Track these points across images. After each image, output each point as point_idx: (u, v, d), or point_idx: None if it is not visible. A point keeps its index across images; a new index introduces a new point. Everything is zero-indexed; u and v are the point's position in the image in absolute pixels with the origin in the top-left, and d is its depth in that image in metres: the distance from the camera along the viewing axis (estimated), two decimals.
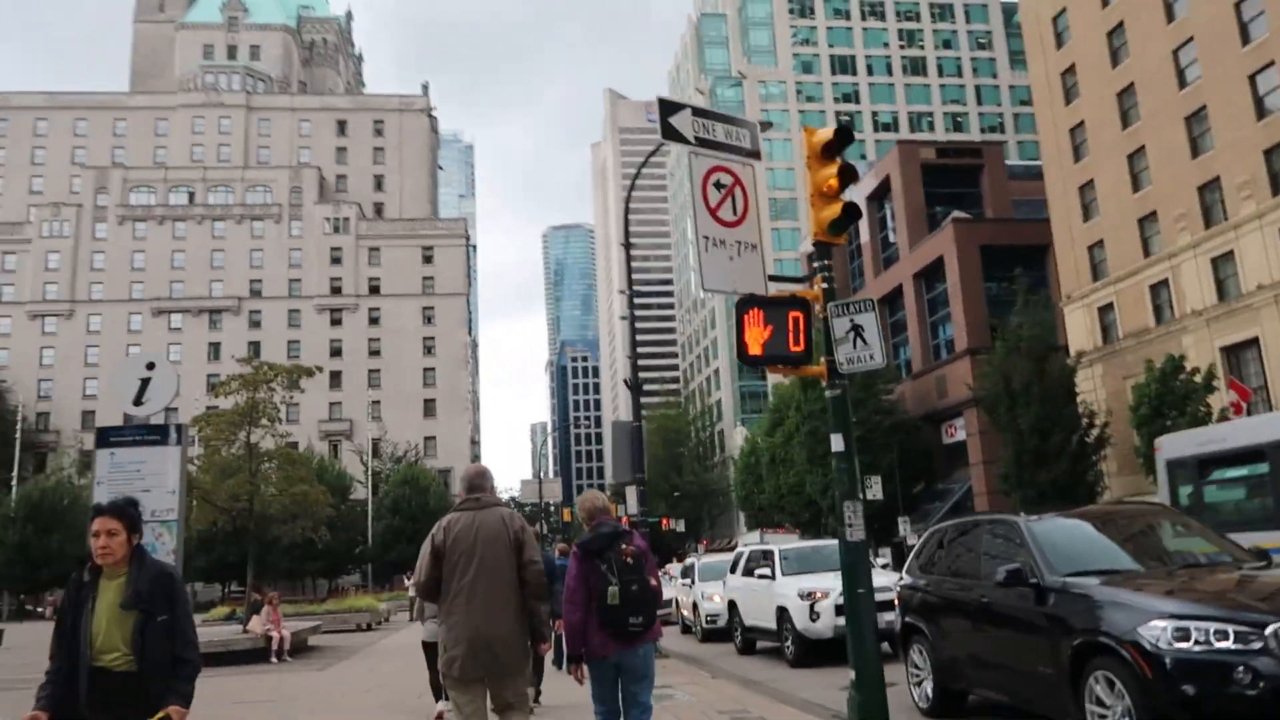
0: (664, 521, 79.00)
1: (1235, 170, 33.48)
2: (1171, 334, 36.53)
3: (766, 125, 17.10)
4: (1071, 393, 38.30)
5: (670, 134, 6.81)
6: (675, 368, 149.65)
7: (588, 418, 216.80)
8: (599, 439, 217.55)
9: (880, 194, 64.73)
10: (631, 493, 15.52)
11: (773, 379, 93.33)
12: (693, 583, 20.11)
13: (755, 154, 6.77)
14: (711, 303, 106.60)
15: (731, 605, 16.17)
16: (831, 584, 13.20)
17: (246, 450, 19.96)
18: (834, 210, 5.91)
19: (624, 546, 5.70)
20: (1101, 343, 41.55)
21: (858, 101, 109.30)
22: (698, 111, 6.98)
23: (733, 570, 16.52)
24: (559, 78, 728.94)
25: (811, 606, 12.92)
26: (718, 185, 6.32)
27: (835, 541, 17.60)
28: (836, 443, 5.75)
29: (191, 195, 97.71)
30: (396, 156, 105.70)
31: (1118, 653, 5.93)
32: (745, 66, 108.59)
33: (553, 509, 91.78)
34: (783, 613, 13.56)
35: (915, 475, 52.95)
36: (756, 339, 5.72)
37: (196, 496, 19.11)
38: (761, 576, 14.45)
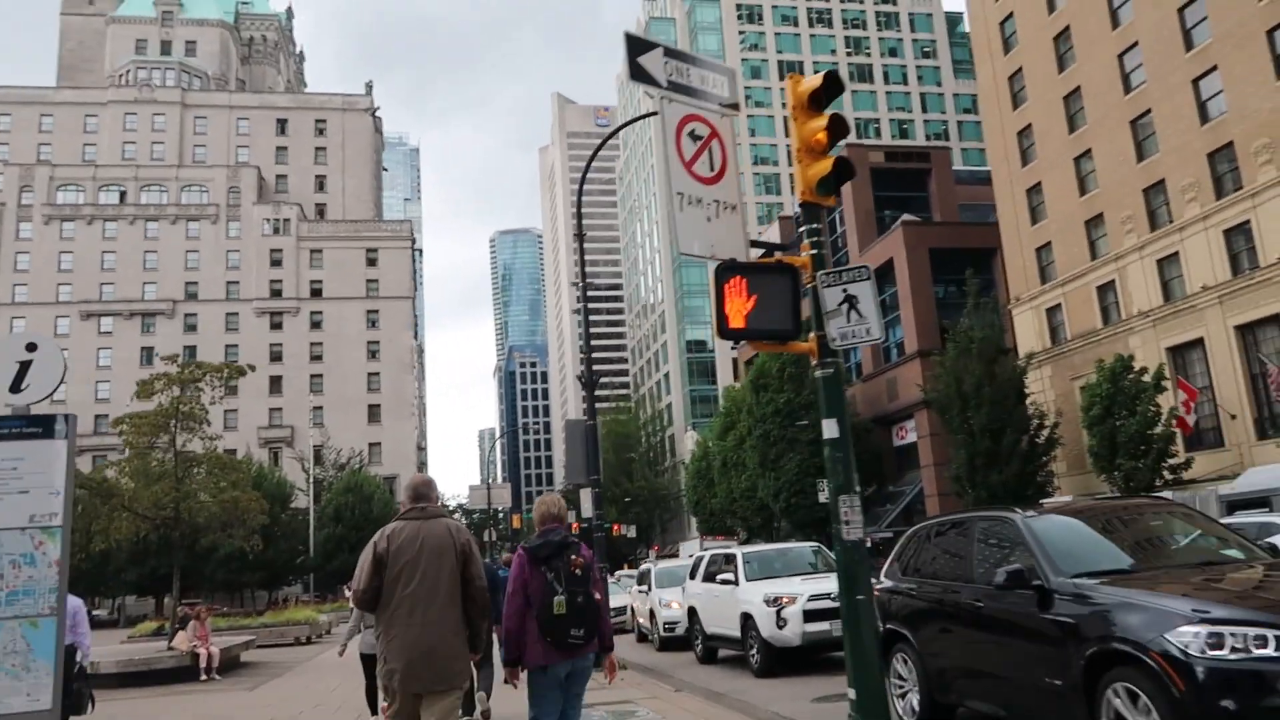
0: (615, 527, 78.18)
1: (1179, 173, 33.78)
2: (1119, 335, 36.77)
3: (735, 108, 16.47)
4: (1022, 394, 38.34)
5: (639, 75, 6.08)
6: (625, 372, 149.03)
7: (536, 423, 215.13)
8: (548, 445, 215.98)
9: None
10: (586, 495, 14.73)
11: (723, 382, 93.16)
12: (649, 589, 19.35)
13: (734, 105, 6.03)
14: (662, 306, 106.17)
15: (692, 612, 15.43)
16: (798, 588, 12.55)
17: (173, 455, 18.70)
18: (823, 166, 5.19)
19: (573, 557, 5.63)
20: (1050, 344, 41.77)
21: None
22: (670, 52, 6.25)
23: (692, 575, 15.80)
24: (508, 82, 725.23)
25: (778, 613, 12.24)
26: (693, 136, 5.56)
27: (801, 545, 17.05)
28: (830, 429, 5.02)
29: (123, 194, 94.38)
30: (339, 156, 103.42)
31: (1142, 662, 5.30)
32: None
33: (501, 515, 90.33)
34: (747, 620, 12.86)
35: (866, 478, 52.73)
36: (739, 310, 4.97)
37: (117, 505, 17.88)
38: (724, 582, 13.74)
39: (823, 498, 49.76)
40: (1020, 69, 43.61)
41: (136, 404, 19.02)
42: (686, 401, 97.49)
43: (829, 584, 12.79)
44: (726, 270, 5.04)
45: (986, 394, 37.21)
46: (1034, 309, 42.82)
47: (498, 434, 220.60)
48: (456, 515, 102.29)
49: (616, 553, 75.43)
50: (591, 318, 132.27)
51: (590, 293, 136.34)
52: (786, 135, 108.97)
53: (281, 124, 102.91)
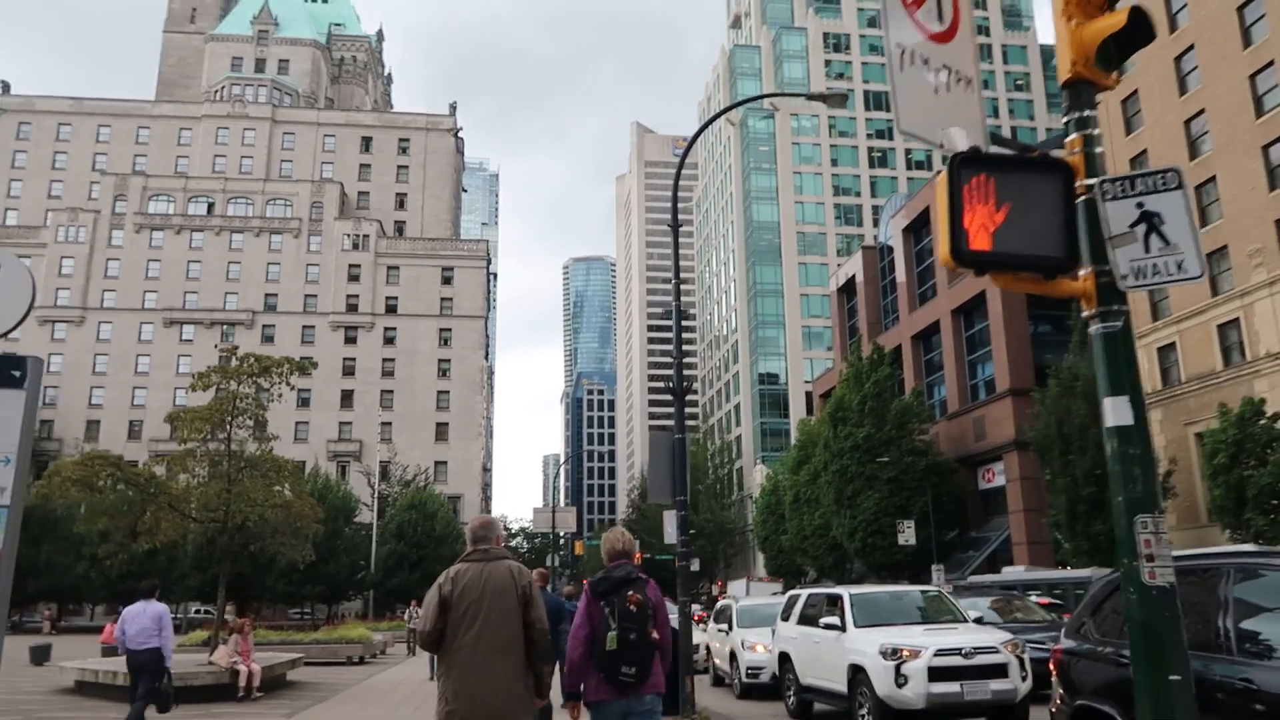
0: (675, 561, 76.13)
1: None
2: (1243, 378, 33.75)
3: (842, 98, 14.76)
4: None
5: None
6: (694, 403, 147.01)
7: (601, 451, 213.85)
8: (611, 473, 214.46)
9: (918, 226, 62.41)
10: (670, 517, 13.02)
11: (795, 416, 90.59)
12: (730, 628, 17.44)
13: None
14: (735, 337, 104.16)
15: (784, 658, 13.50)
16: (922, 640, 10.57)
17: (225, 453, 17.56)
18: (1107, 24, 3.37)
19: (630, 593, 5.71)
20: (1161, 385, 38.75)
21: (891, 138, 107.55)
22: None
23: (785, 616, 13.87)
24: (588, 114, 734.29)
25: (898, 668, 10.28)
26: None
27: (912, 589, 15.03)
28: (1118, 412, 3.20)
29: (211, 206, 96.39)
30: (420, 175, 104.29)
31: None
32: (777, 99, 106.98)
33: (564, 540, 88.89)
34: (858, 673, 10.92)
35: (948, 521, 49.97)
36: (983, 225, 3.25)
37: (164, 504, 16.77)
38: (828, 626, 11.80)
39: (902, 539, 47.02)
40: (1135, 91, 41.02)
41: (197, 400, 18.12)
42: (757, 434, 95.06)
43: (958, 636, 10.81)
44: (967, 165, 3.30)
45: (1092, 437, 34.49)
46: (1144, 348, 39.82)
47: (562, 459, 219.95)
48: (518, 538, 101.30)
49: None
50: (663, 348, 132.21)
51: (661, 322, 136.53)
52: (870, 166, 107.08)
53: (366, 142, 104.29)
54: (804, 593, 13.75)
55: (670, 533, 13.18)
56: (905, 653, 10.33)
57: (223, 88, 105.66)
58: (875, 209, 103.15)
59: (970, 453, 51.83)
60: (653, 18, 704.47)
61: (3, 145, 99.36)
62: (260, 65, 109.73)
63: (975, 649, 10.29)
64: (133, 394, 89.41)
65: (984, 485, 52.13)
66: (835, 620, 11.74)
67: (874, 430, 48.74)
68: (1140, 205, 3.37)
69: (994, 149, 3.44)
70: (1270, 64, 33.35)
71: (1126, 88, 41.79)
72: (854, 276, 71.98)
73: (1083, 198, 3.43)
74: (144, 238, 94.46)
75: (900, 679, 10.23)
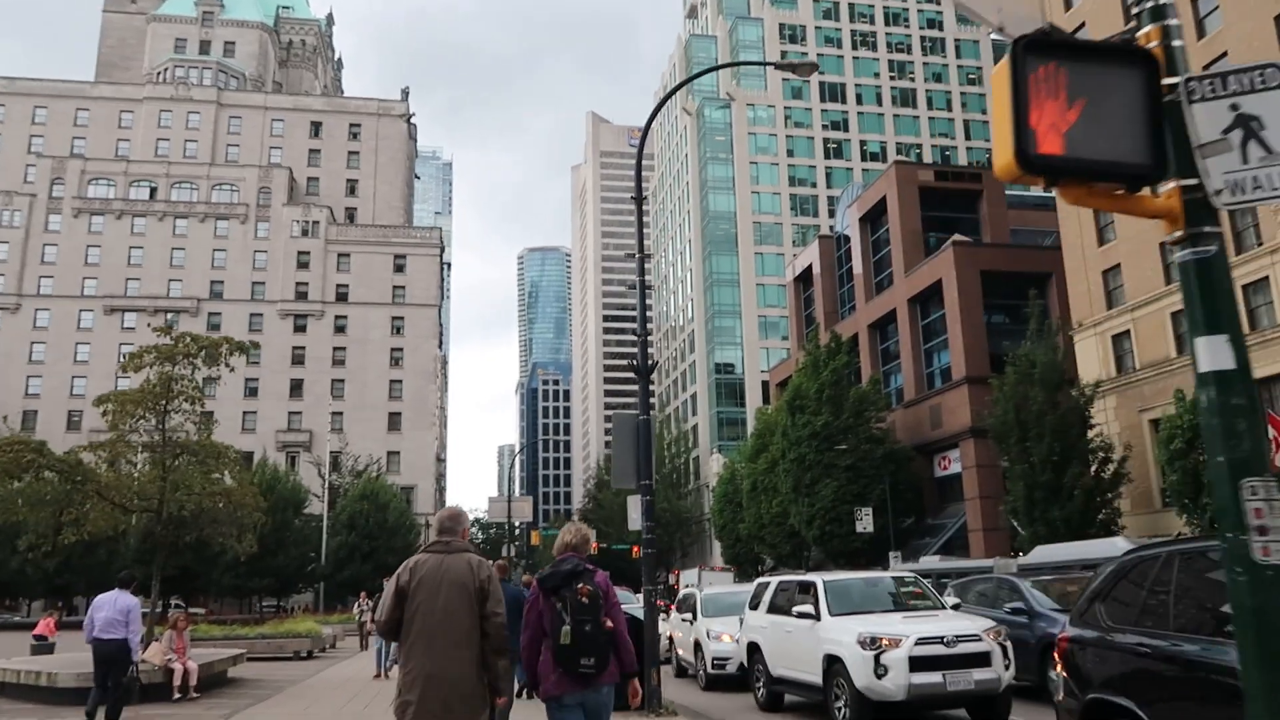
0: (635, 550, 75.64)
1: None
2: None
3: (813, 67, 14.21)
4: (1086, 425, 35.62)
5: None
6: (651, 392, 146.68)
7: (557, 441, 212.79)
8: (567, 464, 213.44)
9: (874, 215, 62.51)
10: (635, 503, 12.41)
11: (752, 405, 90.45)
12: (694, 618, 16.87)
13: None
14: (691, 326, 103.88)
15: (753, 649, 12.94)
16: (902, 628, 10.08)
17: (160, 439, 16.52)
18: None
19: (580, 585, 5.76)
20: (1115, 373, 39.00)
21: (846, 130, 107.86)
22: None
23: (754, 605, 13.32)
24: (543, 108, 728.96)
25: (877, 658, 9.77)
26: None
27: (883, 574, 14.59)
28: (1214, 353, 2.57)
29: (154, 191, 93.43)
30: (372, 161, 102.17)
31: None
32: (734, 89, 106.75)
33: (520, 530, 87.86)
34: (833, 663, 10.40)
35: (905, 509, 50.10)
36: (1053, 123, 2.63)
37: (90, 492, 15.72)
38: (801, 615, 11.25)
39: (860, 526, 46.98)
40: None
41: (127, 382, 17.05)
42: (713, 424, 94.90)
43: (939, 624, 10.35)
44: (1034, 50, 2.66)
45: (1049, 423, 34.58)
46: (1098, 335, 40.09)
47: (518, 450, 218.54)
48: (473, 528, 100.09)
49: (634, 576, 72.78)
50: (618, 338, 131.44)
51: (617, 312, 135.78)
52: (826, 157, 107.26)
53: (316, 126, 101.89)
54: (773, 580, 13.21)
55: (635, 519, 12.58)
56: (885, 642, 9.83)
57: (166, 69, 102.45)
58: (831, 199, 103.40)
59: (927, 440, 51.98)
60: (607, 12, 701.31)
61: None
62: (205, 47, 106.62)
63: (957, 637, 9.83)
64: (71, 383, 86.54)
65: (940, 473, 52.33)
66: (809, 608, 11.21)
67: (832, 418, 48.62)
68: (1235, 108, 2.79)
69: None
70: (1224, 55, 33.52)
71: None
72: (811, 266, 71.95)
73: (1167, 96, 2.84)
74: (83, 222, 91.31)
75: (880, 669, 9.72)
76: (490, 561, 6.48)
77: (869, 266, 63.22)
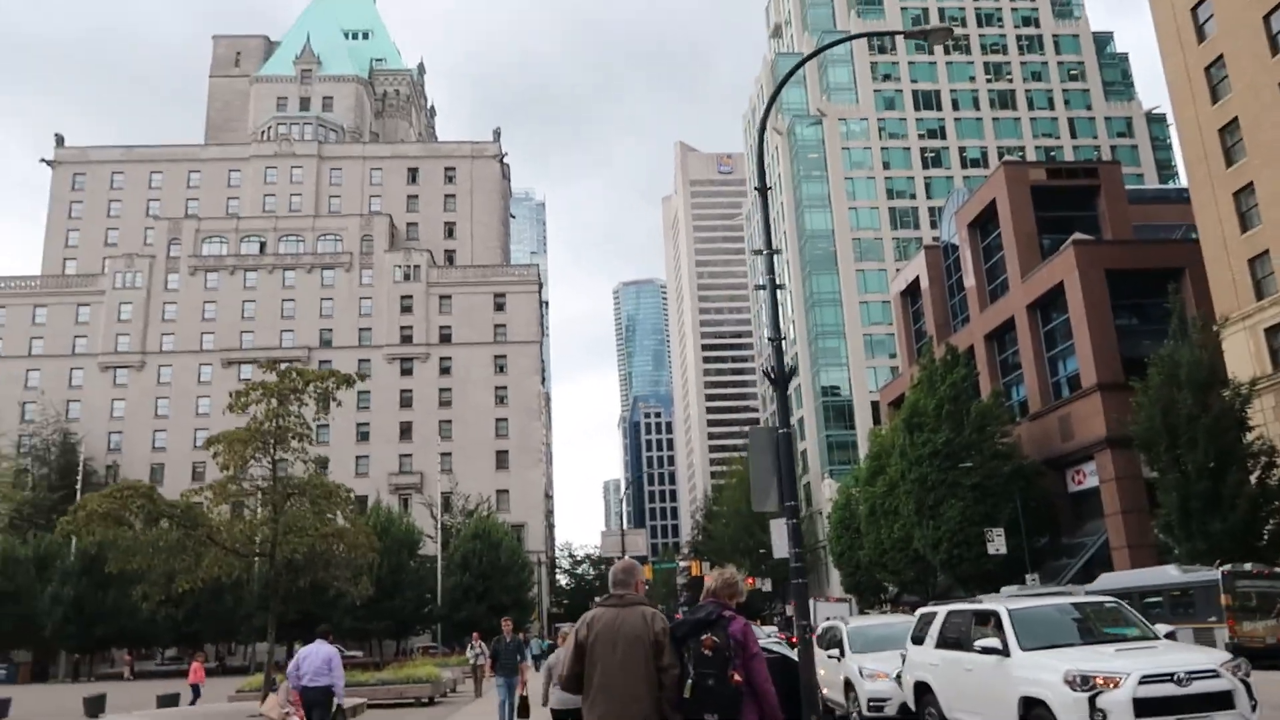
0: (750, 580, 73.57)
1: None
2: None
3: (947, 32, 12.78)
4: (1244, 427, 32.54)
5: None
6: (754, 421, 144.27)
7: (661, 474, 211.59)
8: (673, 496, 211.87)
9: (983, 221, 59.73)
10: (779, 527, 11.08)
11: (862, 426, 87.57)
12: (841, 654, 15.32)
13: None
14: (794, 349, 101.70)
15: (921, 689, 11.38)
16: (1119, 664, 8.45)
17: (270, 479, 15.98)
18: None
19: (705, 637, 5.59)
20: (1271, 369, 35.71)
21: (943, 137, 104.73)
22: None
23: (918, 638, 11.75)
24: (628, 139, 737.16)
25: (1092, 701, 8.18)
26: None
27: (1084, 599, 12.86)
28: None
29: (263, 245, 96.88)
30: (468, 203, 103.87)
31: None
32: (824, 104, 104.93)
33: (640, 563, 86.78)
34: (1033, 708, 8.82)
35: (1037, 528, 46.99)
36: None
37: (203, 537, 15.21)
38: (984, 650, 9.68)
39: (992, 548, 44.16)
40: (1220, 56, 38.29)
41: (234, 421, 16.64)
42: (823, 448, 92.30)
43: (1164, 658, 8.66)
44: None
45: (1202, 427, 31.67)
46: (1248, 329, 36.88)
47: (623, 485, 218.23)
48: (584, 565, 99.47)
49: (750, 608, 70.73)
50: (718, 366, 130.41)
51: (716, 341, 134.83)
52: (924, 166, 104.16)
53: (412, 173, 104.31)
54: (940, 609, 11.63)
55: (780, 545, 11.23)
56: (1100, 681, 8.21)
57: (269, 128, 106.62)
58: (932, 210, 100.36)
59: (1057, 454, 48.84)
60: (684, 40, 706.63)
61: (59, 196, 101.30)
62: (305, 104, 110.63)
63: (1190, 674, 8.13)
64: (194, 436, 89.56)
65: (1074, 487, 49.05)
66: (993, 642, 9.63)
67: (953, 435, 46.13)
68: None
69: None
70: None
71: (1208, 54, 39.11)
72: (917, 279, 69.28)
73: None
74: (199, 280, 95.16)
75: (1097, 715, 8.10)
76: (661, 613, 6.12)
77: (981, 275, 60.34)
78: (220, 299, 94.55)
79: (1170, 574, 26.88)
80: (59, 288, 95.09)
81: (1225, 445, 31.62)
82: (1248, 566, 25.85)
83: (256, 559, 16.25)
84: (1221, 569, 25.09)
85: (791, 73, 14.02)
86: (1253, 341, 36.77)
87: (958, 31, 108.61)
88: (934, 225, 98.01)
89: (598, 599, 6.07)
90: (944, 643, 10.91)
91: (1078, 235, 50.62)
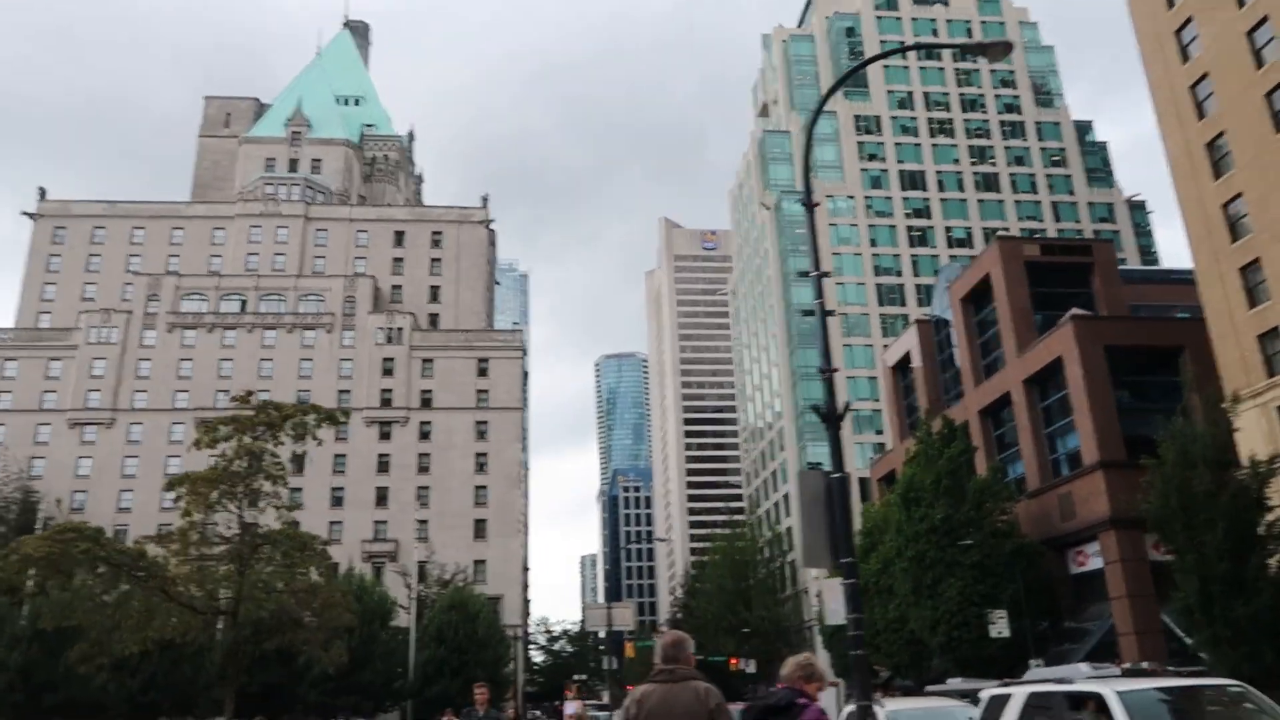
0: (732, 661, 70.86)
1: None
2: None
3: (1007, 47, 11.82)
4: (1262, 507, 31.29)
5: None
6: (733, 498, 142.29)
7: (640, 549, 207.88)
8: (651, 572, 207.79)
9: (977, 296, 59.27)
10: (833, 589, 9.57)
11: (853, 503, 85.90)
12: None
13: None
14: (780, 424, 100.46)
15: None
16: None
17: (240, 527, 14.26)
18: None
19: None
20: None
21: (929, 216, 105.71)
22: None
23: None
24: (616, 219, 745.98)
25: None
26: None
27: (1205, 681, 11.31)
28: None
29: (244, 303, 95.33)
30: (454, 268, 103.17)
31: None
32: (813, 181, 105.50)
33: (602, 643, 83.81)
34: None
35: (1038, 610, 45.25)
36: None
37: (154, 589, 13.38)
38: None
39: (995, 631, 42.32)
40: (1221, 133, 38.19)
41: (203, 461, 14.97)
42: None
43: None
44: None
45: (1221, 506, 30.39)
46: (1260, 407, 35.99)
47: (601, 560, 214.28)
48: (560, 642, 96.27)
49: (731, 690, 67.98)
50: (699, 440, 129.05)
51: (697, 415, 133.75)
52: (910, 245, 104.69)
53: (399, 236, 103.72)
54: (1018, 690, 10.07)
55: (836, 610, 9.79)
56: None
57: (256, 187, 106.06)
58: (919, 288, 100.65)
59: (1057, 534, 47.37)
60: (675, 123, 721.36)
61: (38, 249, 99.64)
62: (293, 165, 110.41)
63: None
64: (160, 497, 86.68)
65: (1076, 569, 47.45)
66: None
67: (951, 510, 44.64)
68: None
69: None
70: None
71: (1209, 131, 39.07)
72: (908, 353, 68.55)
73: None
74: (175, 337, 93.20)
75: None
76: (714, 688, 5.70)
77: (974, 349, 59.65)
78: (197, 357, 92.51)
79: (1082, 670, 24.83)
80: (31, 340, 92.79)
81: (1245, 526, 30.34)
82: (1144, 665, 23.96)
83: (219, 618, 14.46)
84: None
85: (846, 76, 13.03)
86: (1265, 419, 35.86)
87: (941, 116, 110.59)
88: (921, 302, 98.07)
89: (650, 675, 5.71)
90: None
91: (1075, 310, 50.08)
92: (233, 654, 15.84)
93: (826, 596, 10.05)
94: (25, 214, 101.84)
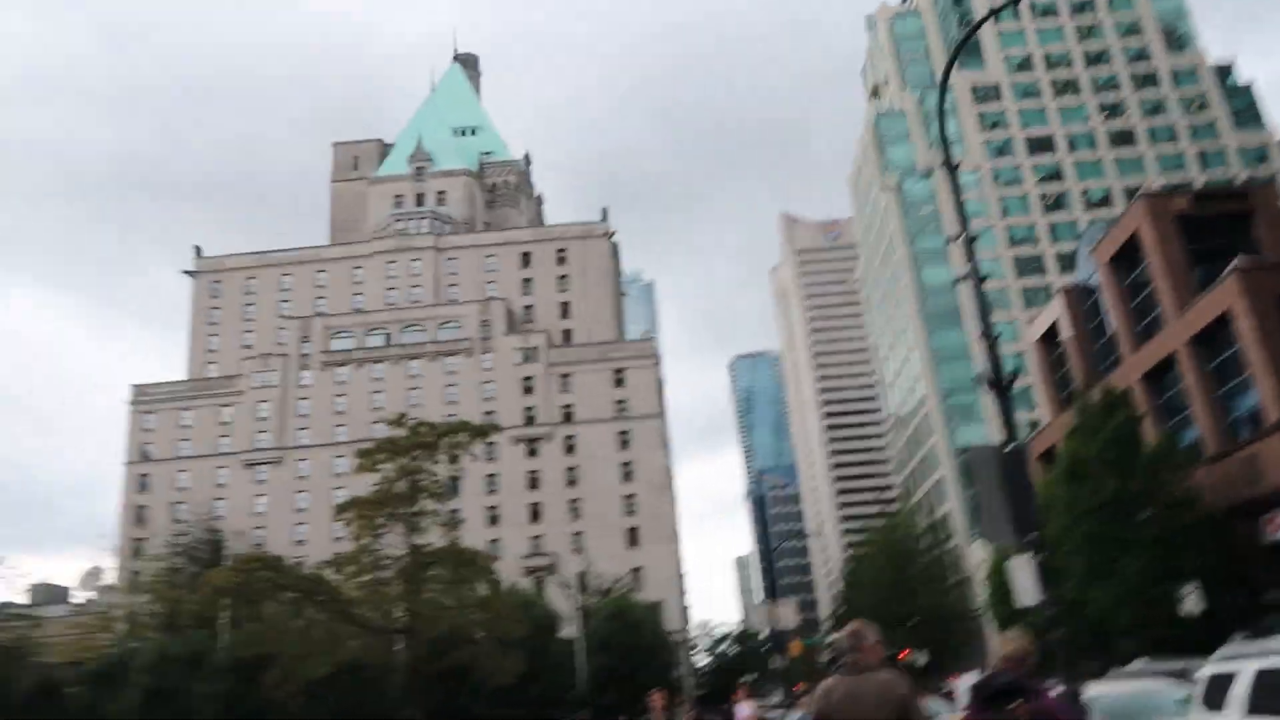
0: (902, 653, 69.14)
1: None
2: None
3: None
4: None
5: None
6: (883, 488, 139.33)
7: (792, 547, 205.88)
8: (806, 569, 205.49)
9: (1125, 257, 56.18)
10: (1022, 566, 9.21)
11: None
12: None
13: None
14: (925, 408, 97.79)
15: None
16: None
17: (408, 548, 14.94)
18: None
19: (1016, 703, 5.34)
20: None
21: (1062, 179, 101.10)
22: None
23: (1212, 702, 9.61)
24: (734, 218, 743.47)
25: None
26: None
27: None
28: None
29: (388, 337, 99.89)
30: (581, 282, 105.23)
31: None
32: (933, 158, 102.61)
33: (767, 642, 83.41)
34: None
35: (1230, 582, 42.36)
36: None
37: (335, 614, 14.19)
38: None
39: (1185, 607, 39.90)
40: None
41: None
42: (967, 509, 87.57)
43: None
44: None
45: None
46: None
47: (753, 561, 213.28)
48: (724, 645, 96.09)
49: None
50: (843, 434, 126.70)
51: (838, 408, 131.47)
52: (1045, 211, 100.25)
53: (525, 257, 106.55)
54: (1246, 667, 9.51)
55: (1027, 589, 9.40)
56: None
57: (387, 224, 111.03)
58: (1059, 256, 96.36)
59: (1242, 500, 44.27)
60: (781, 117, 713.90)
61: (200, 304, 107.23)
62: (420, 199, 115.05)
63: None
64: (331, 528, 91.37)
65: (1271, 536, 44.30)
66: None
67: (1120, 485, 42.36)
68: None
69: None
70: None
71: None
72: (1056, 323, 65.59)
73: None
74: (329, 375, 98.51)
75: None
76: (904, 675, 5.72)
77: (1128, 313, 56.51)
78: (350, 392, 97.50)
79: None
80: (202, 391, 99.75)
81: None
82: None
83: (397, 637, 15.18)
84: None
85: (970, 34, 12.63)
86: None
87: (1064, 75, 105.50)
88: (1063, 270, 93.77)
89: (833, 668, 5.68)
90: (1262, 709, 8.80)
91: (1240, 260, 46.87)
92: (414, 672, 16.53)
93: (1015, 576, 9.68)
94: (185, 272, 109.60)
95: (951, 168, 10.39)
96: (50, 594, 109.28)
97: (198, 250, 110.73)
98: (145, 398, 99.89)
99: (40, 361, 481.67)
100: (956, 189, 10.34)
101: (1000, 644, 5.71)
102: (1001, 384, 9.59)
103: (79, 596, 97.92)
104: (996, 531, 9.29)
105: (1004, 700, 5.33)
